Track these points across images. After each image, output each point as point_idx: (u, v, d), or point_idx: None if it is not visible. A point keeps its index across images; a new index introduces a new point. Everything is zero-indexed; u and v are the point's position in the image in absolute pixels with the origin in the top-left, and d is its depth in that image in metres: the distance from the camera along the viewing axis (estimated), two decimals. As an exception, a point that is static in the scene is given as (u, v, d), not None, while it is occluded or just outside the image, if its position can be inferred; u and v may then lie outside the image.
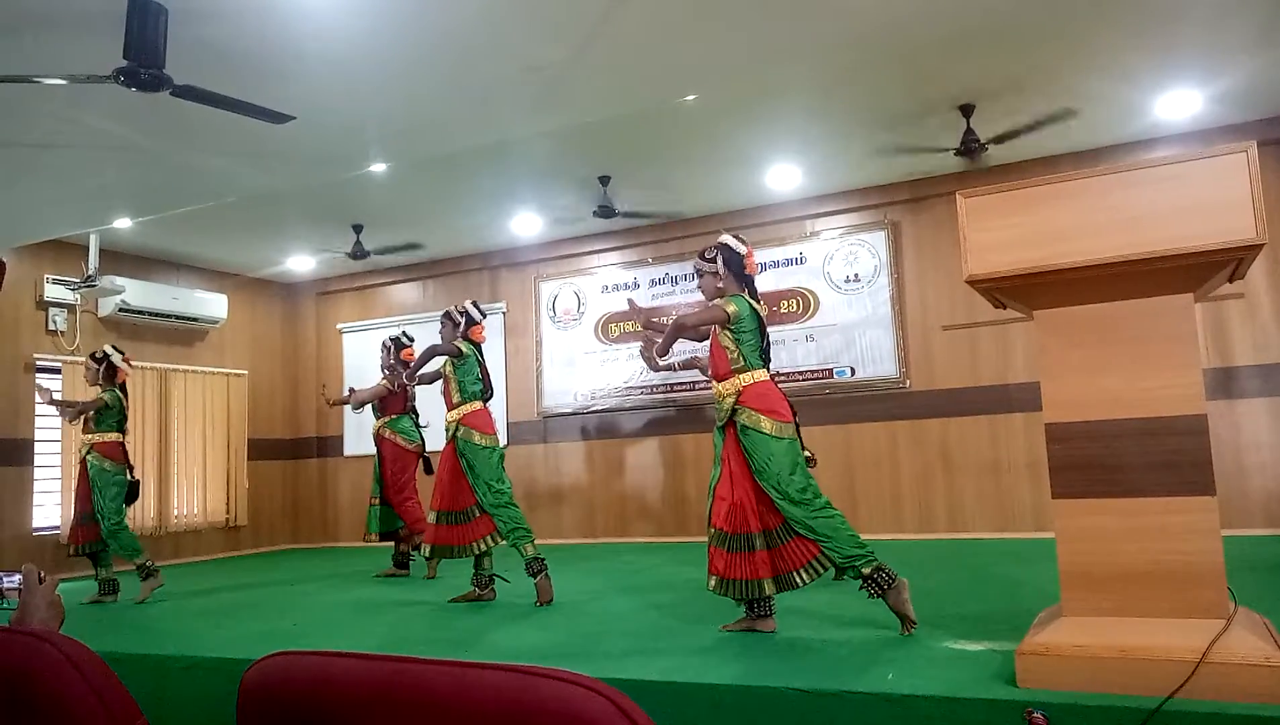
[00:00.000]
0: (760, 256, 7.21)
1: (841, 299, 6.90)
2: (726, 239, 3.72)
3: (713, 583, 3.38)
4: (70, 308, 7.16)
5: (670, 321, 3.77)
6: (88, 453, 5.49)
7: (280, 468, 8.81)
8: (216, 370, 8.27)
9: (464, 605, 4.51)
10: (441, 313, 4.95)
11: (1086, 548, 2.40)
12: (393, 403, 6.21)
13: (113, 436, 5.52)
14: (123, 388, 5.66)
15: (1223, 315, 5.87)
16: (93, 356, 5.71)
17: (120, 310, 7.26)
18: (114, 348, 5.73)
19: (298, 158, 5.06)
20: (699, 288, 3.75)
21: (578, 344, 7.79)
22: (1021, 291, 2.55)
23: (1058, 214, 2.44)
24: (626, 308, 4.13)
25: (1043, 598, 3.05)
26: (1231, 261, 2.33)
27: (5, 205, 5.67)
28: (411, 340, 6.21)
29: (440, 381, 4.89)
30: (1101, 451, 2.41)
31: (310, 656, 0.88)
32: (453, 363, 4.73)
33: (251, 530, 8.42)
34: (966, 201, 2.56)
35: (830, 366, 6.87)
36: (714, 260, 3.64)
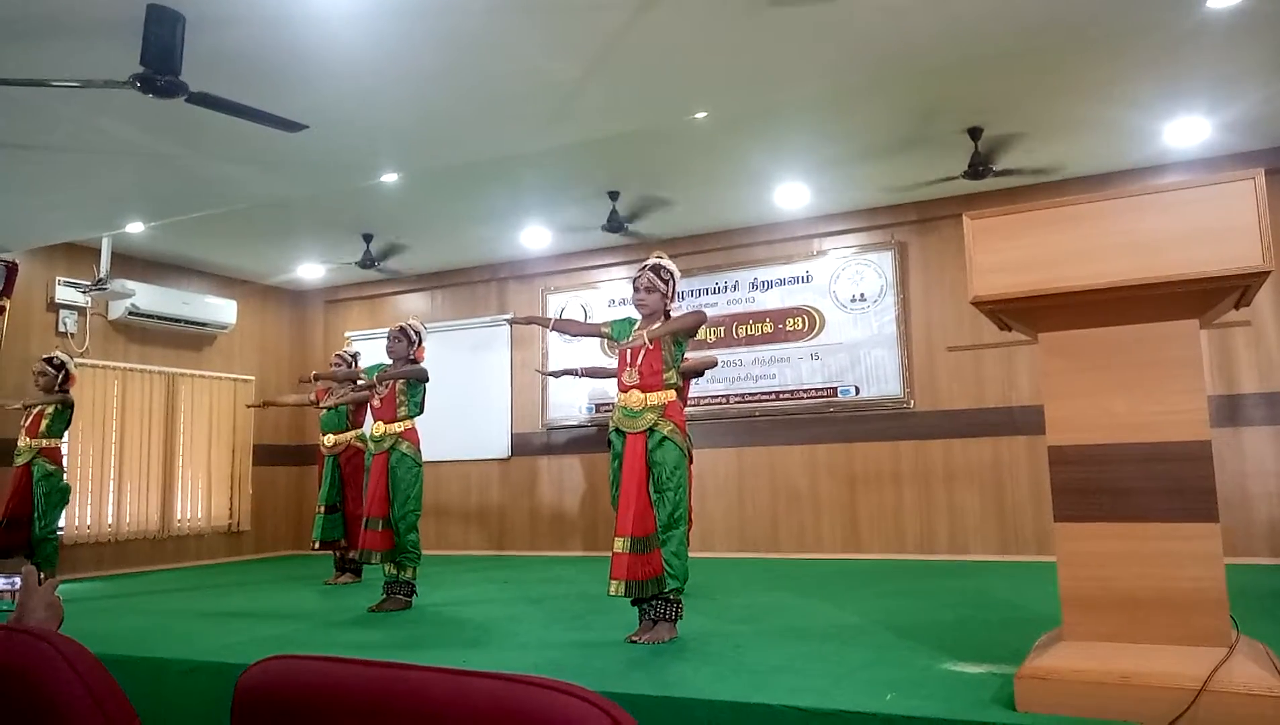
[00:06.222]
0: (767, 274, 7.27)
1: (847, 318, 6.91)
2: (673, 266, 3.78)
3: (621, 588, 3.39)
4: (81, 310, 7.20)
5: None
6: (34, 457, 5.50)
7: (285, 473, 8.82)
8: (224, 375, 8.30)
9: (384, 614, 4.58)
10: (397, 328, 4.94)
11: (1088, 572, 2.39)
12: (363, 414, 6.16)
13: (58, 441, 5.56)
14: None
15: (1229, 342, 5.85)
16: (50, 362, 5.70)
17: (130, 314, 7.30)
18: (65, 355, 5.81)
19: (310, 166, 5.10)
20: (641, 301, 3.76)
21: (584, 357, 7.80)
22: (1026, 314, 2.55)
23: (1064, 237, 2.44)
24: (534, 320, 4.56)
25: (1043, 621, 3.03)
26: (1238, 288, 2.33)
27: (20, 207, 5.72)
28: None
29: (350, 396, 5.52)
30: (1105, 475, 2.40)
31: (306, 661, 0.89)
32: (409, 381, 4.84)
33: (255, 535, 8.42)
34: (973, 223, 2.57)
35: (835, 385, 6.87)
36: (669, 280, 3.71)
